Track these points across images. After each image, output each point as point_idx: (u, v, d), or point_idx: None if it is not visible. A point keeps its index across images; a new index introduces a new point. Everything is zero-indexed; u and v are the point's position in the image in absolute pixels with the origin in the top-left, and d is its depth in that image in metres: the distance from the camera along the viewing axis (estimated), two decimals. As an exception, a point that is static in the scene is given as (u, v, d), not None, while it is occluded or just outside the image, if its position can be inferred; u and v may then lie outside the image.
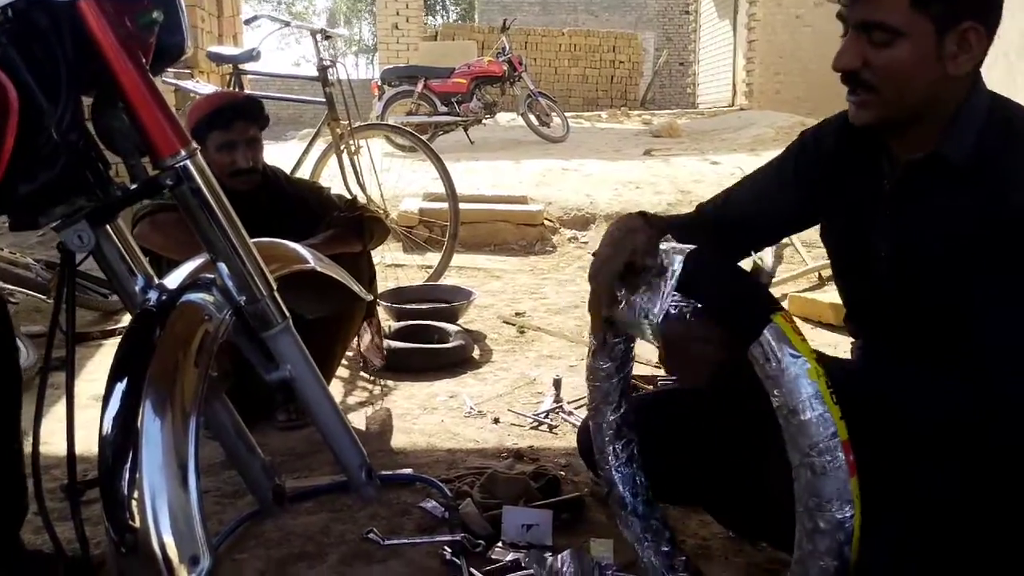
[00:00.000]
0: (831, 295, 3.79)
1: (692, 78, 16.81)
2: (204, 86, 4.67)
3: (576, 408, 2.68)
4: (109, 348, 3.26)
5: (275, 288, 1.19)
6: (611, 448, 1.53)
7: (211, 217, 1.12)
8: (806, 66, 11.72)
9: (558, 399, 2.74)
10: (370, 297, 1.51)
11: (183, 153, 1.09)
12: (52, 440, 1.91)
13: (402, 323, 3.42)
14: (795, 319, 1.15)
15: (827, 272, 4.54)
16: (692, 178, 6.51)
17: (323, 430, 1.24)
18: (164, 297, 1.16)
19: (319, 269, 1.36)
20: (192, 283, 1.17)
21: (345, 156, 3.99)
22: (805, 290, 4.27)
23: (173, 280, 1.19)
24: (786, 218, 1.56)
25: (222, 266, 1.15)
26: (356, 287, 1.47)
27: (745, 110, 11.21)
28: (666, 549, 1.53)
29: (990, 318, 1.19)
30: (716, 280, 1.21)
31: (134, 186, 1.09)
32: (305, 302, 1.61)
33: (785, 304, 3.94)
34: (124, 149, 1.09)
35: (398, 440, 2.43)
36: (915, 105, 1.24)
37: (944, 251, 1.25)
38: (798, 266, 4.78)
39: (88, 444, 1.13)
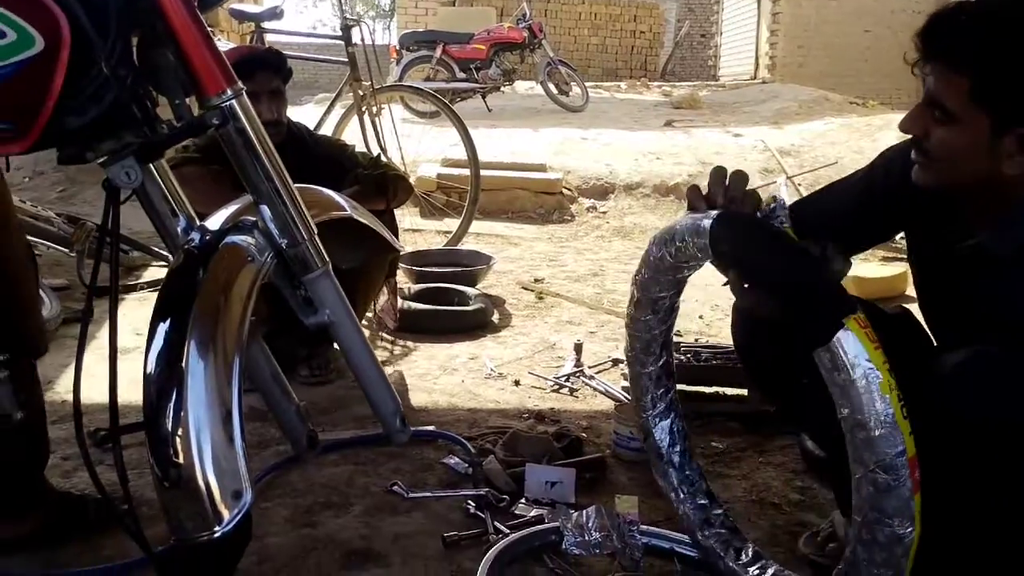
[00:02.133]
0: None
1: (714, 50, 16.63)
2: (224, 43, 4.66)
3: (597, 373, 2.70)
4: (130, 303, 3.29)
5: (315, 232, 1.20)
6: (649, 397, 1.54)
7: (255, 158, 1.13)
8: (831, 40, 11.59)
9: (579, 363, 2.75)
10: (403, 247, 1.52)
11: (229, 92, 1.10)
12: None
13: (422, 285, 3.43)
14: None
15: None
16: (713, 150, 6.47)
17: (360, 375, 1.26)
18: (208, 238, 1.17)
19: (356, 217, 1.37)
20: (235, 225, 1.19)
21: (367, 117, 3.99)
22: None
23: (215, 222, 1.20)
24: (868, 233, 1.56)
25: (265, 208, 1.16)
26: (390, 237, 1.48)
27: (768, 83, 11.10)
28: (702, 502, 1.54)
29: None
30: (770, 254, 1.14)
31: (181, 124, 1.10)
32: (338, 251, 1.62)
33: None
34: (170, 88, 1.10)
35: (419, 399, 2.46)
36: (966, 186, 1.29)
37: (989, 326, 1.28)
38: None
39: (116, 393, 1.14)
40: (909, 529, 1.06)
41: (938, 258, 1.43)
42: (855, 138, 6.79)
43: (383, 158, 3.28)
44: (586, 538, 1.56)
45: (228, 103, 1.10)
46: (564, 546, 1.56)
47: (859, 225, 1.54)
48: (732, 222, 1.19)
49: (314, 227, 1.20)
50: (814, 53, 11.67)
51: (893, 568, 1.08)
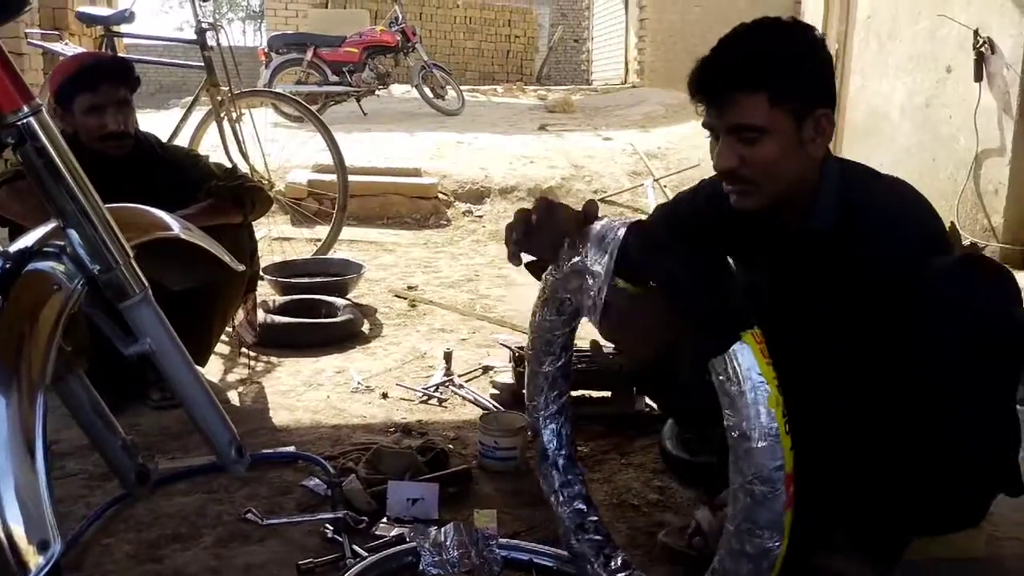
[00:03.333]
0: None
1: (586, 55, 16.93)
2: (72, 48, 4.39)
3: (467, 381, 2.67)
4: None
5: (132, 256, 1.11)
6: (543, 397, 1.51)
7: (58, 178, 1.04)
8: (695, 46, 11.90)
9: (448, 372, 2.72)
10: (241, 267, 1.44)
11: (26, 109, 1.01)
12: None
13: (288, 297, 3.32)
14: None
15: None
16: (585, 153, 6.57)
17: (188, 406, 1.18)
18: (8, 265, 1.07)
19: (184, 237, 1.28)
20: (40, 250, 1.09)
21: (226, 123, 3.84)
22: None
23: (18, 247, 1.10)
24: None
25: (72, 232, 1.07)
26: (227, 257, 1.39)
27: (637, 87, 11.37)
28: (580, 507, 1.52)
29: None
30: (681, 267, 1.16)
31: (-31, 144, 1.00)
32: (172, 273, 1.53)
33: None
34: (-43, 105, 0.99)
35: (281, 418, 2.36)
36: (788, 188, 1.43)
37: (826, 304, 1.40)
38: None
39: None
40: (777, 543, 1.07)
41: (755, 269, 1.54)
42: (718, 140, 7.02)
43: (241, 168, 3.16)
44: (444, 556, 1.52)
45: (24, 121, 1.00)
46: (422, 567, 1.52)
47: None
48: (644, 231, 1.19)
49: (130, 250, 1.11)
50: (680, 58, 12.02)
51: None
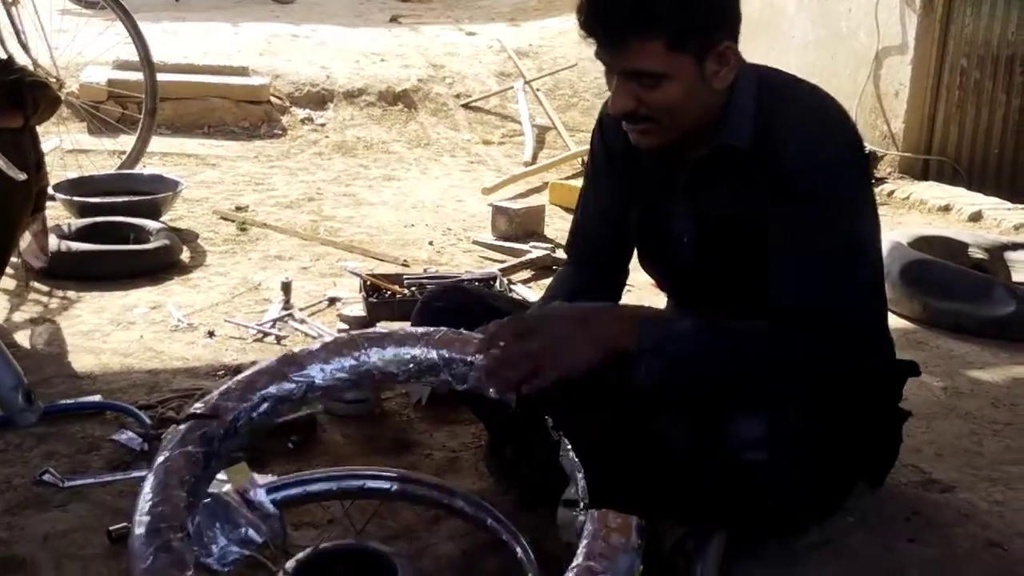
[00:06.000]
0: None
1: (447, -65, 16.59)
2: None
3: (309, 316, 2.64)
4: None
5: None
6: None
7: None
8: (573, -74, 11.91)
9: (287, 305, 2.69)
10: (22, 175, 1.36)
11: None
12: None
13: (87, 220, 3.19)
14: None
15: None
16: (446, 51, 6.48)
17: (-41, 345, 1.12)
18: None
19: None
20: None
21: (0, 8, 3.58)
22: (567, 177, 4.45)
23: None
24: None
25: None
26: (3, 164, 1.31)
27: (506, -26, 11.26)
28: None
29: (783, 266, 1.45)
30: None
31: None
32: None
33: (546, 193, 4.14)
34: None
35: (83, 362, 2.30)
36: (693, 124, 1.49)
37: (743, 226, 1.51)
38: (561, 151, 4.96)
39: None
40: None
41: (658, 209, 1.63)
42: (598, 37, 7.08)
43: (21, 61, 2.97)
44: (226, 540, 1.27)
45: None
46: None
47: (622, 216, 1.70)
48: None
49: None
50: (556, -61, 11.97)
51: None
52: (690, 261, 1.63)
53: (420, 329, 1.47)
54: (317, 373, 1.39)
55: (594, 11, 1.43)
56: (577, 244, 1.85)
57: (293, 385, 1.37)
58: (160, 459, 1.22)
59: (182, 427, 1.26)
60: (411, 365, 1.42)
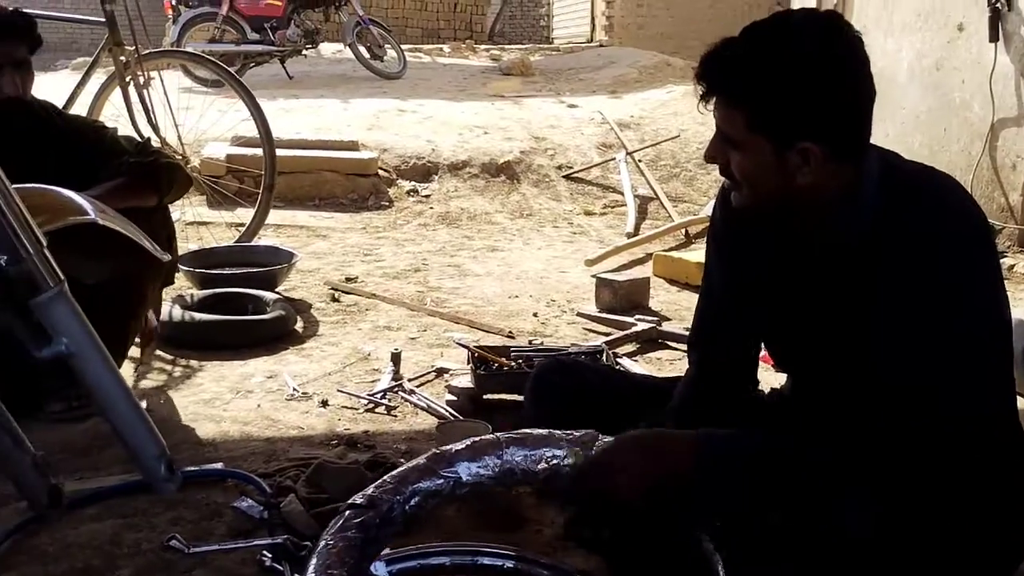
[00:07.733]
0: (697, 254, 3.97)
1: (546, 8, 16.96)
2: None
3: (418, 386, 2.69)
4: None
5: (45, 245, 1.12)
6: None
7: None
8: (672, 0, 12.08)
9: (397, 376, 2.74)
10: (168, 257, 1.45)
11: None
12: None
13: (208, 291, 3.31)
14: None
15: (694, 229, 4.75)
16: (547, 123, 6.61)
17: (111, 416, 1.19)
18: None
19: (101, 222, 1.29)
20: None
21: (132, 90, 3.80)
22: (671, 249, 4.46)
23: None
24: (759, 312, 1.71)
25: (-27, 218, 1.07)
26: (150, 244, 1.40)
27: (605, 46, 11.43)
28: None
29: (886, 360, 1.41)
30: None
31: None
32: (83, 264, 1.52)
33: (649, 264, 4.15)
34: None
35: (205, 430, 2.37)
36: (776, 202, 1.48)
37: (859, 320, 1.47)
38: (663, 222, 4.97)
39: None
40: None
41: (777, 293, 1.62)
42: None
43: (153, 142, 3.14)
44: None
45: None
46: None
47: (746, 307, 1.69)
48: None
49: (43, 239, 1.12)
50: (655, 13, 12.13)
51: None
52: (810, 350, 1.62)
53: (559, 432, 1.54)
54: (464, 470, 1.49)
55: (703, 61, 1.46)
56: (700, 344, 1.82)
57: (442, 480, 1.47)
58: (322, 543, 1.33)
59: (344, 514, 1.39)
60: (551, 464, 1.51)
